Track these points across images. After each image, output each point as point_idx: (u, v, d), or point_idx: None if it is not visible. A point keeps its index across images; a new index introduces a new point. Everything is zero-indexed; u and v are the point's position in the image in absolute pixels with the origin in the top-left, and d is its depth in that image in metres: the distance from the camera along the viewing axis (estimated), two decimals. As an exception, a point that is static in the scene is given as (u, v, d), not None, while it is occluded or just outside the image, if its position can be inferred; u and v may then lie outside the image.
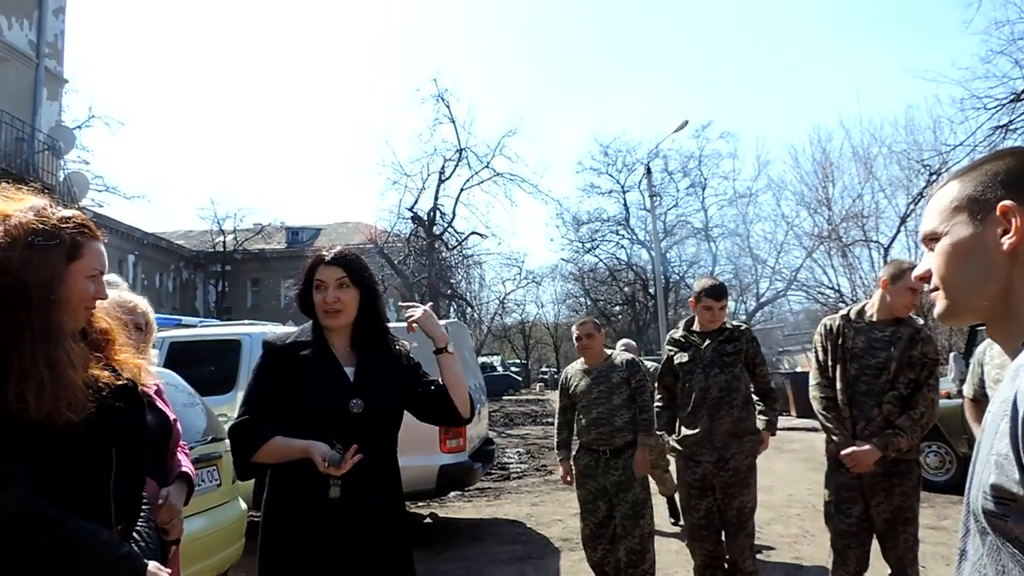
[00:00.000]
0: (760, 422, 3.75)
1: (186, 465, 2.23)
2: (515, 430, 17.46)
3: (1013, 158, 0.94)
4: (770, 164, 42.20)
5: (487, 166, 24.79)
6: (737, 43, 71.93)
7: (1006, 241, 0.89)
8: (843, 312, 3.37)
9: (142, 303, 2.39)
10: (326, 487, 1.90)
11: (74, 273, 1.47)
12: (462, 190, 24.83)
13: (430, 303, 2.17)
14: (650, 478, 4.30)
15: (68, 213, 1.51)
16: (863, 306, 3.32)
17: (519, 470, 10.55)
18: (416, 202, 24.24)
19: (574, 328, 4.21)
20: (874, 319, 3.21)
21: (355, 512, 1.96)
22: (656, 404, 3.93)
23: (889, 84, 54.59)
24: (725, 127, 42.36)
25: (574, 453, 4.18)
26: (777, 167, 49.36)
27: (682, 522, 6.13)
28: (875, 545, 3.21)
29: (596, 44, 79.77)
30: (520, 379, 44.78)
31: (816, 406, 3.29)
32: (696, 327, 3.82)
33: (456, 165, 24.53)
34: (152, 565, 1.49)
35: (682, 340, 3.84)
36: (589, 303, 34.69)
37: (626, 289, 33.83)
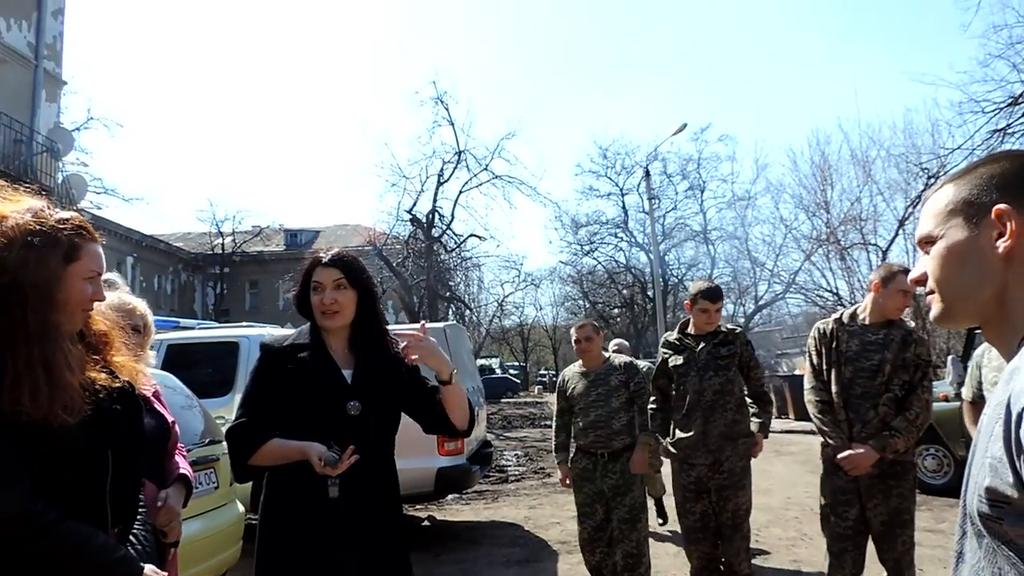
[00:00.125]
0: (754, 424, 3.76)
1: (184, 467, 2.23)
2: (513, 433, 17.45)
3: (1008, 161, 0.94)
4: (769, 167, 41.97)
5: (486, 168, 24.77)
6: (736, 46, 72.16)
7: (1001, 244, 0.89)
8: (836, 316, 3.40)
9: (141, 305, 2.39)
10: (325, 487, 1.89)
11: (71, 275, 1.47)
12: (461, 192, 24.81)
13: (423, 324, 2.09)
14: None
15: (66, 215, 1.51)
16: (855, 309, 3.35)
17: (517, 473, 10.54)
18: (415, 204, 24.23)
19: (573, 331, 4.21)
20: (867, 322, 3.24)
21: (353, 514, 1.95)
22: (650, 406, 3.94)
23: (887, 87, 54.71)
24: (724, 130, 42.46)
25: (572, 456, 4.18)
26: (776, 170, 49.06)
27: (668, 522, 6.19)
28: (871, 548, 3.22)
29: (595, 47, 79.99)
30: (518, 382, 44.79)
31: (812, 410, 3.31)
32: (691, 330, 3.83)
33: (455, 167, 24.50)
34: (149, 568, 1.49)
35: (677, 343, 3.86)
36: (588, 306, 34.67)
37: (625, 292, 33.82)
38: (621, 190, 31.51)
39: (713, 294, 3.75)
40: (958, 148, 12.32)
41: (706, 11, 74.31)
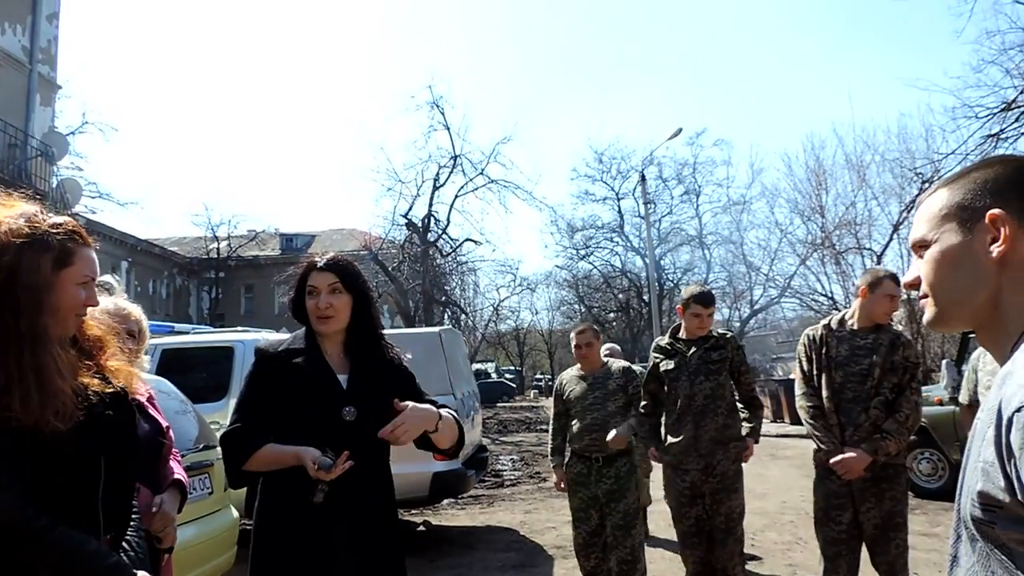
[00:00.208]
0: (745, 429, 3.77)
1: (179, 473, 2.22)
2: (509, 437, 17.45)
3: (1001, 166, 0.95)
4: (764, 171, 42.34)
5: (481, 173, 24.79)
6: (731, 51, 72.46)
7: (995, 249, 0.89)
8: (824, 322, 3.45)
9: (135, 311, 2.38)
10: (312, 492, 1.88)
11: (64, 280, 1.47)
12: (456, 197, 24.82)
13: (396, 402, 1.99)
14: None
15: (59, 219, 1.51)
16: (844, 315, 3.39)
17: (513, 477, 10.54)
18: (410, 209, 24.23)
19: (573, 336, 4.20)
20: (855, 327, 3.28)
21: (347, 520, 1.94)
22: (640, 411, 3.94)
23: (882, 92, 54.94)
24: (719, 134, 42.53)
25: (567, 460, 4.18)
26: (771, 174, 49.60)
27: (647, 535, 6.16)
28: (865, 553, 3.23)
29: (591, 51, 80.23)
30: (514, 386, 44.80)
31: (803, 415, 3.34)
32: (682, 334, 3.85)
33: (451, 172, 24.51)
34: (141, 574, 1.48)
35: (668, 347, 3.87)
36: (583, 310, 34.65)
37: (620, 296, 33.84)
38: (617, 194, 31.58)
39: (705, 298, 3.77)
40: (952, 153, 12.38)
41: (701, 16, 74.65)
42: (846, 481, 3.14)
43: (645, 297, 29.31)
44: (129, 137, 65.95)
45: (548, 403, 32.82)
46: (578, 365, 4.20)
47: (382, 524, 2.05)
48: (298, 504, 1.93)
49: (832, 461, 3.12)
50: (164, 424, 2.24)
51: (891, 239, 19.57)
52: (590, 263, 33.23)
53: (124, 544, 1.57)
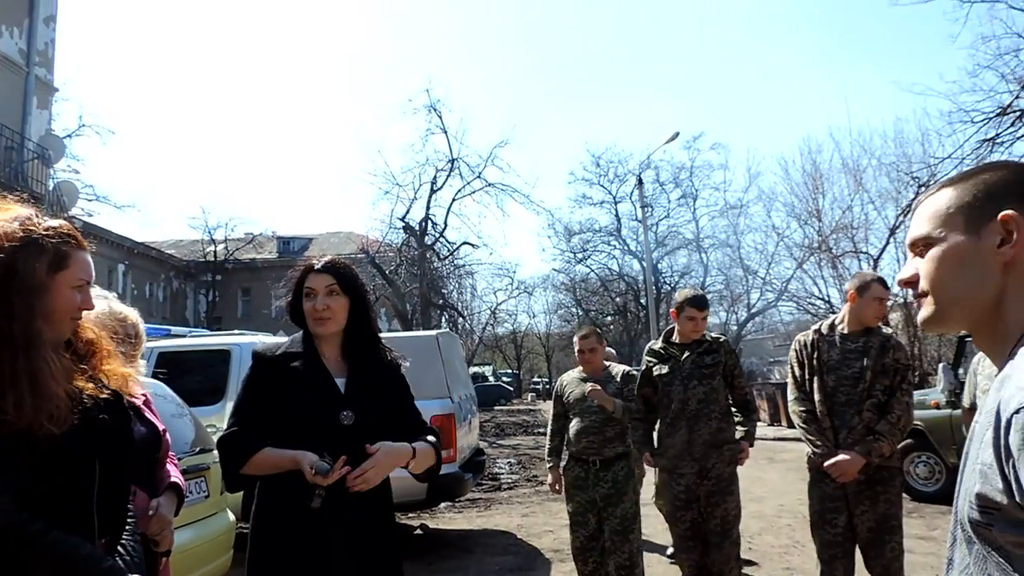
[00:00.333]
0: (739, 432, 3.78)
1: (176, 476, 2.21)
2: (506, 440, 17.43)
3: (1008, 171, 0.94)
4: (761, 175, 42.37)
5: (479, 176, 24.76)
6: (728, 55, 72.60)
7: (1006, 250, 0.89)
8: (815, 327, 3.48)
9: (132, 314, 2.37)
10: (309, 497, 1.88)
11: (59, 283, 1.46)
12: (454, 200, 24.78)
13: (367, 447, 1.96)
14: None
15: (54, 223, 1.50)
16: (833, 320, 3.43)
17: (510, 481, 10.52)
18: (408, 212, 24.20)
19: (576, 340, 4.19)
20: (845, 331, 3.32)
21: (345, 523, 1.94)
22: (634, 415, 3.93)
23: (878, 97, 55.20)
24: (716, 138, 42.37)
25: (564, 464, 4.17)
26: (768, 178, 49.61)
27: None
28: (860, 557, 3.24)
29: (588, 55, 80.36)
30: (511, 389, 44.77)
31: (796, 420, 3.38)
32: (676, 338, 3.85)
33: (448, 175, 24.49)
34: (136, 579, 1.47)
35: (662, 352, 3.87)
36: (581, 313, 34.68)
37: (618, 299, 33.85)
38: (614, 198, 31.61)
39: (700, 302, 3.78)
40: (948, 157, 12.41)
41: (698, 20, 74.87)
42: (841, 484, 3.16)
43: (642, 300, 29.30)
44: (126, 140, 65.93)
45: (545, 406, 32.85)
46: (580, 367, 4.20)
47: (380, 528, 2.04)
48: (295, 508, 1.92)
49: (826, 464, 3.13)
50: (160, 427, 2.24)
51: (888, 243, 19.58)
52: (587, 267, 33.28)
53: (119, 548, 1.56)
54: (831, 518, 3.22)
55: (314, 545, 1.93)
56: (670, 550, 5.26)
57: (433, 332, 7.26)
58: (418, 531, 7.19)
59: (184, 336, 7.76)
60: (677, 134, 19.54)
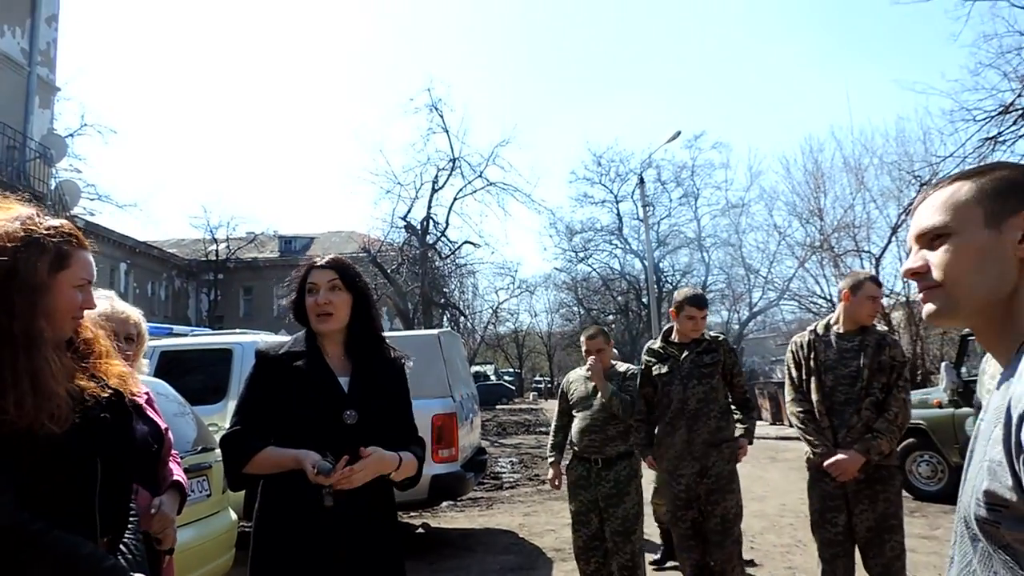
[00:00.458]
0: (738, 431, 3.78)
1: (178, 474, 2.21)
2: (508, 439, 17.44)
3: (1022, 171, 0.94)
4: (762, 174, 42.24)
5: (480, 175, 24.76)
6: (729, 54, 72.57)
7: None
8: (810, 328, 3.49)
9: (135, 314, 2.37)
10: (319, 496, 1.88)
11: (60, 283, 1.46)
12: (455, 199, 24.79)
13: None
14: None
15: (55, 222, 1.50)
16: (828, 320, 3.44)
17: (512, 480, 10.52)
18: (409, 211, 24.21)
19: (583, 340, 4.17)
20: (841, 331, 3.33)
21: (347, 523, 1.94)
22: (636, 417, 3.92)
23: (880, 95, 55.11)
24: (717, 137, 42.61)
25: (567, 463, 4.16)
26: (769, 177, 49.36)
27: None
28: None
29: (590, 54, 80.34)
30: (513, 388, 44.80)
31: (794, 420, 3.39)
32: (675, 338, 3.85)
33: (449, 174, 24.49)
34: (137, 578, 1.47)
35: (661, 351, 3.87)
36: (582, 312, 34.66)
37: (619, 299, 33.82)
38: (616, 197, 31.57)
39: (699, 301, 3.78)
40: (950, 156, 12.38)
41: (700, 19, 74.81)
42: (840, 483, 3.17)
43: (644, 299, 29.28)
44: (128, 139, 66.00)
45: (547, 405, 32.85)
46: (586, 366, 4.19)
47: (382, 526, 2.04)
48: (298, 507, 1.93)
49: (826, 463, 3.14)
50: (163, 425, 2.24)
51: (889, 241, 19.53)
52: (589, 265, 33.24)
53: (121, 547, 1.56)
54: (831, 517, 3.22)
55: (317, 544, 1.93)
56: (655, 556, 5.23)
57: (435, 331, 7.26)
58: (420, 530, 7.19)
59: (186, 335, 7.77)
60: (678, 133, 19.54)
